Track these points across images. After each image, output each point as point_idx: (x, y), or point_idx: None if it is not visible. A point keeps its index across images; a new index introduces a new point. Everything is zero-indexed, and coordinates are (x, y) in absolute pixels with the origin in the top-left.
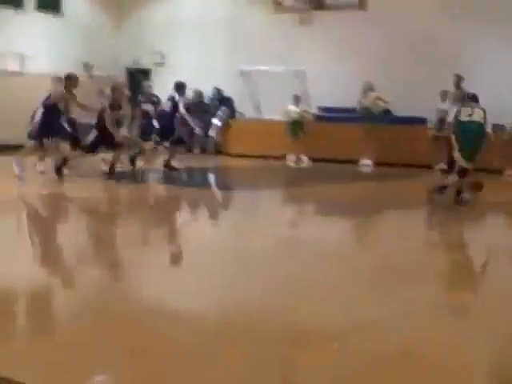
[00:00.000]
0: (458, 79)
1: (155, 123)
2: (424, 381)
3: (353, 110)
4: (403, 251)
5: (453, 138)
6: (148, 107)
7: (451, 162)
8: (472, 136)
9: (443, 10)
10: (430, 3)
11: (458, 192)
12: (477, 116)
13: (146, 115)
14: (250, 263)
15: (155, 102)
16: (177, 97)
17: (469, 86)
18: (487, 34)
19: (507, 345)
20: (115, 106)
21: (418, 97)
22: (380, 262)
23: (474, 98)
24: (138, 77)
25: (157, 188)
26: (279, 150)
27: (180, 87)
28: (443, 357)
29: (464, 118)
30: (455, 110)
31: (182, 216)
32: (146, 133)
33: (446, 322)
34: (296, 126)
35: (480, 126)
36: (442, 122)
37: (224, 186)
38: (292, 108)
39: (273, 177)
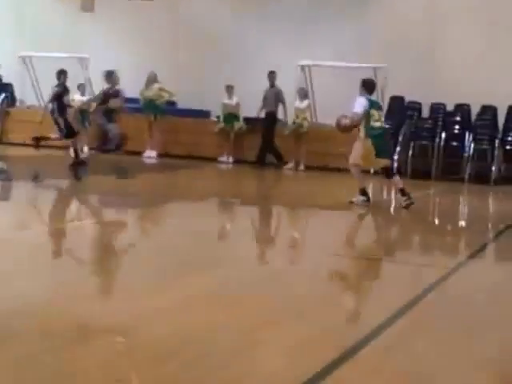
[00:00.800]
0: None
1: None
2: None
3: (137, 101)
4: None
5: None
6: None
7: None
8: None
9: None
10: None
11: None
12: None
13: None
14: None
15: None
16: None
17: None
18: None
19: None
20: None
21: (204, 91)
22: (157, 251)
23: None
24: None
25: None
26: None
27: None
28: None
29: None
30: None
31: None
32: None
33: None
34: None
35: None
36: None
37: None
38: (77, 97)
39: (51, 167)
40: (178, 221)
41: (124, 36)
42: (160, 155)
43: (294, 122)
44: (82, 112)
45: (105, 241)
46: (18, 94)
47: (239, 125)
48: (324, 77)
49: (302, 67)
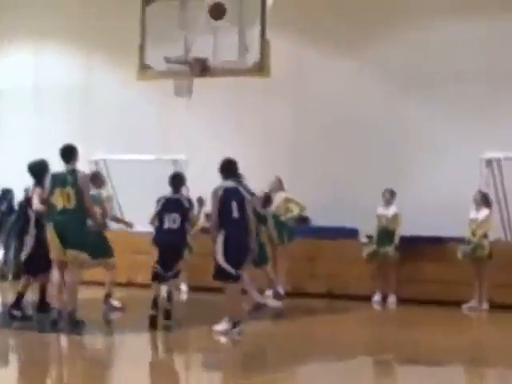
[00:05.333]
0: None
1: None
2: None
3: None
4: None
5: None
6: None
7: None
8: None
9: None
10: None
11: None
12: None
13: None
14: None
15: None
16: None
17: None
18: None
19: None
20: None
21: (347, 199)
22: None
23: None
24: None
25: None
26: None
27: None
28: None
29: None
30: None
31: None
32: None
33: None
34: None
35: None
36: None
37: None
38: None
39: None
40: None
41: (228, 128)
42: (288, 294)
43: (468, 242)
44: None
45: None
46: None
47: (388, 249)
48: None
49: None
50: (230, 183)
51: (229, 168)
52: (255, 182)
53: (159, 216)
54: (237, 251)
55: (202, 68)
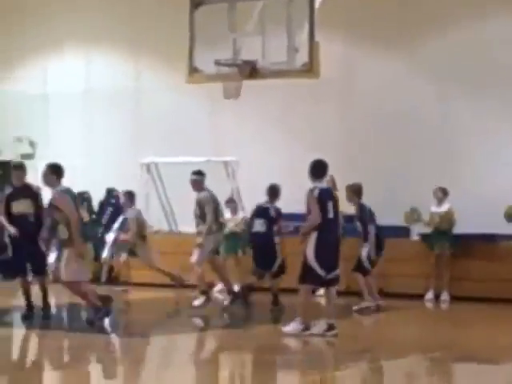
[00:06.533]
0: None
1: None
2: None
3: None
4: None
5: None
6: None
7: None
8: None
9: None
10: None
11: None
12: None
13: None
14: None
15: None
16: None
17: None
18: None
19: None
20: None
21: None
22: None
23: None
24: None
25: None
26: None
27: None
28: None
29: None
30: None
31: None
32: None
33: None
34: (233, 240)
35: None
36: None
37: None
38: (227, 216)
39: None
40: None
41: (277, 130)
42: (341, 293)
43: None
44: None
45: None
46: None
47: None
48: None
49: None
50: (323, 184)
51: (320, 169)
52: (307, 182)
53: None
54: (329, 254)
55: (251, 70)
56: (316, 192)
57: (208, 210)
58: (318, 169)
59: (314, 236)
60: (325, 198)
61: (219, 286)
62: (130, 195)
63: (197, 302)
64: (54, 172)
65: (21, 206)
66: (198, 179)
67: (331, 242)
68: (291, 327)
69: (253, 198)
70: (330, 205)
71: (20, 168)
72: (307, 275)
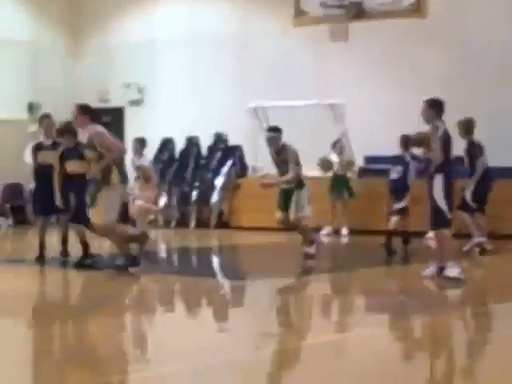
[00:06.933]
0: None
1: None
2: None
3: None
4: None
5: None
6: None
7: None
8: None
9: None
10: None
11: None
12: None
13: None
14: None
15: None
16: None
17: None
18: None
19: None
20: None
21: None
22: None
23: None
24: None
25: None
26: (312, 219)
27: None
28: None
29: None
30: None
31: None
32: None
33: None
34: (339, 183)
35: None
36: None
37: (231, 273)
38: (333, 158)
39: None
40: None
41: (384, 71)
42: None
43: None
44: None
45: None
46: (249, 159)
47: None
48: None
49: None
50: (445, 124)
51: (441, 106)
52: (415, 124)
53: None
54: (451, 194)
55: (357, 11)
56: (440, 132)
57: (292, 160)
58: (440, 106)
59: (439, 177)
60: (448, 138)
61: (327, 229)
62: (142, 142)
63: (312, 250)
64: (86, 112)
65: None
66: (275, 136)
67: (452, 184)
68: (430, 271)
69: (359, 140)
70: (452, 145)
71: None
72: (437, 218)
